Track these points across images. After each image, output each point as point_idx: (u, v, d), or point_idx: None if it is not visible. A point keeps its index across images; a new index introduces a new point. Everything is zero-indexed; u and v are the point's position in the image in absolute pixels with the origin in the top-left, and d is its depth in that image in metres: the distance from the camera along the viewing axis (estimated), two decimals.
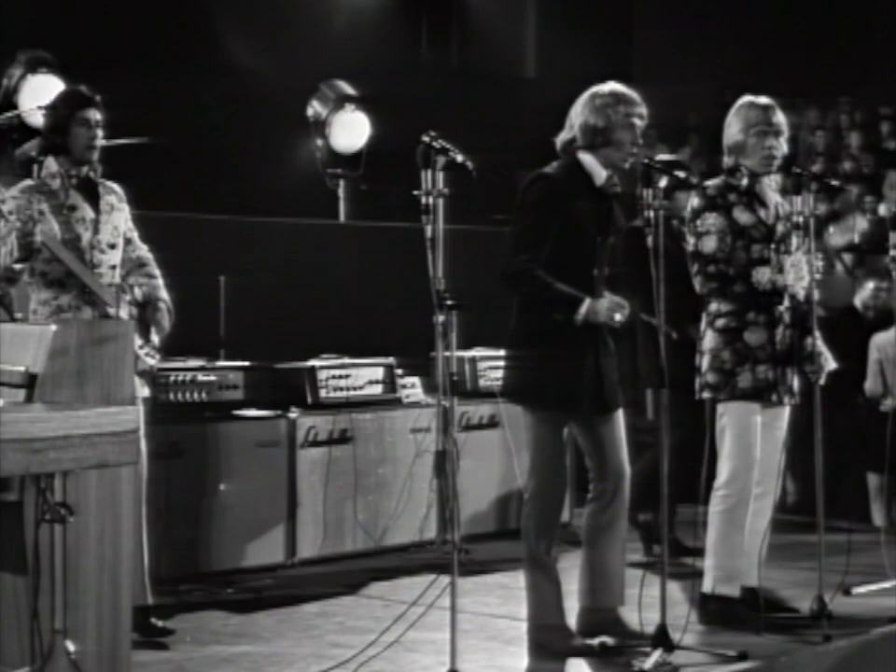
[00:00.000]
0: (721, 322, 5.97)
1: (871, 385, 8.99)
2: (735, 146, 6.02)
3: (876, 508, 8.91)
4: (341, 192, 12.26)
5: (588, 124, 5.58)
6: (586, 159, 5.59)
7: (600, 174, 5.58)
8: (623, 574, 5.71)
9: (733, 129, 6.03)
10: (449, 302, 4.83)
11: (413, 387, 8.09)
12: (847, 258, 12.31)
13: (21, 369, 4.57)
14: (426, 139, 4.85)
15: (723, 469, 5.96)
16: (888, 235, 6.96)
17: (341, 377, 7.68)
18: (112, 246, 5.83)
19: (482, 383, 8.31)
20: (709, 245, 5.93)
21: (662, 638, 5.36)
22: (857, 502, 8.87)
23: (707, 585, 5.98)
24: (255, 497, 7.08)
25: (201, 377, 7.15)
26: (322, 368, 7.61)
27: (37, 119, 8.34)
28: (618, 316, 5.41)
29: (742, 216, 5.98)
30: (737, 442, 5.92)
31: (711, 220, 5.95)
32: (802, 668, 5.57)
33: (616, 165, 5.58)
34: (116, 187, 5.95)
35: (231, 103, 15.19)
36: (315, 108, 12.32)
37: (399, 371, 7.99)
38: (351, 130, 12.22)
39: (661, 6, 20.29)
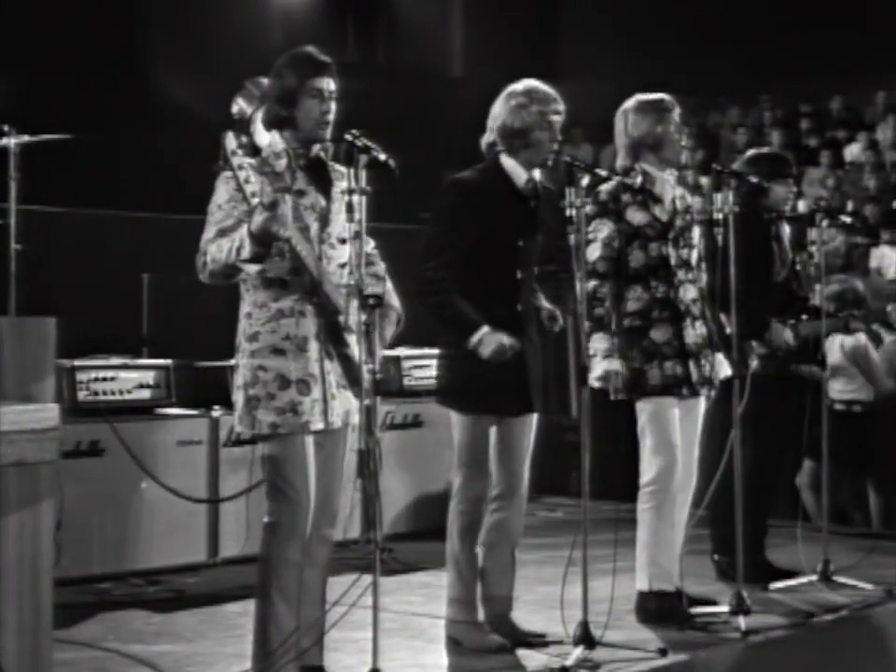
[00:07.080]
0: (626, 322, 6.00)
1: None
2: (647, 139, 5.99)
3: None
4: None
5: (505, 126, 5.58)
6: (507, 162, 5.59)
7: (521, 176, 5.59)
8: (513, 580, 5.74)
9: (643, 125, 6.01)
10: (372, 301, 4.82)
11: None
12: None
13: None
14: (348, 137, 4.83)
15: (648, 466, 5.99)
16: (806, 232, 7.01)
17: None
18: (342, 241, 4.98)
19: (406, 382, 8.30)
20: (593, 253, 5.94)
21: (583, 635, 5.40)
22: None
23: (643, 583, 6.01)
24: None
25: (122, 375, 7.10)
26: None
27: None
28: (500, 356, 5.37)
29: (636, 216, 6.00)
30: (658, 438, 5.96)
31: (599, 228, 5.97)
32: (720, 664, 5.62)
33: (538, 165, 5.60)
34: (345, 171, 4.94)
35: (157, 100, 15.14)
36: (239, 105, 12.26)
37: None
38: None
39: (586, 4, 20.40)
